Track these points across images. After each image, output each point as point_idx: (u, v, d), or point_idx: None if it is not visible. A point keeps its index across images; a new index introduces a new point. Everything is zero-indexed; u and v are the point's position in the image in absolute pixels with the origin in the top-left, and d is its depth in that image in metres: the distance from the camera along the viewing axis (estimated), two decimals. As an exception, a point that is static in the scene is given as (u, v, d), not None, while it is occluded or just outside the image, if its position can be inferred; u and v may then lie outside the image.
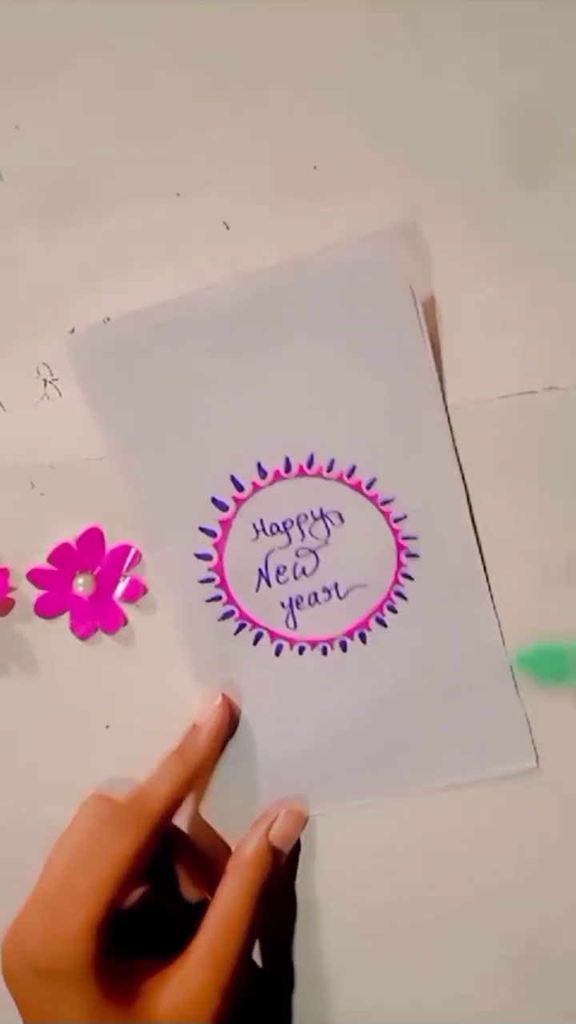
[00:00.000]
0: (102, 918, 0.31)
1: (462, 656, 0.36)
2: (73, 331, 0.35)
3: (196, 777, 0.35)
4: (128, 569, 0.37)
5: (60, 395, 0.36)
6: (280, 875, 0.36)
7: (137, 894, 0.35)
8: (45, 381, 0.36)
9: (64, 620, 0.38)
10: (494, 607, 0.35)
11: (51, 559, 0.37)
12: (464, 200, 0.33)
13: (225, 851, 0.37)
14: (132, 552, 0.36)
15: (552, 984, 0.38)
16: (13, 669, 0.38)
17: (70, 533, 0.37)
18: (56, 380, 0.36)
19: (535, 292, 0.33)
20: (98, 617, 0.37)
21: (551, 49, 0.32)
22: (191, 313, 0.34)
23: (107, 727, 0.38)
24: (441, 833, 0.38)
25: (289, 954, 0.39)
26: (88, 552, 0.37)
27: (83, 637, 0.37)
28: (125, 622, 0.37)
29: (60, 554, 0.37)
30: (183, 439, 0.35)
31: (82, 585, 0.37)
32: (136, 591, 0.37)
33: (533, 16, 0.32)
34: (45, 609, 0.37)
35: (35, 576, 0.37)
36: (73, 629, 0.37)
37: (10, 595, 0.38)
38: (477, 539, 0.35)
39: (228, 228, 0.34)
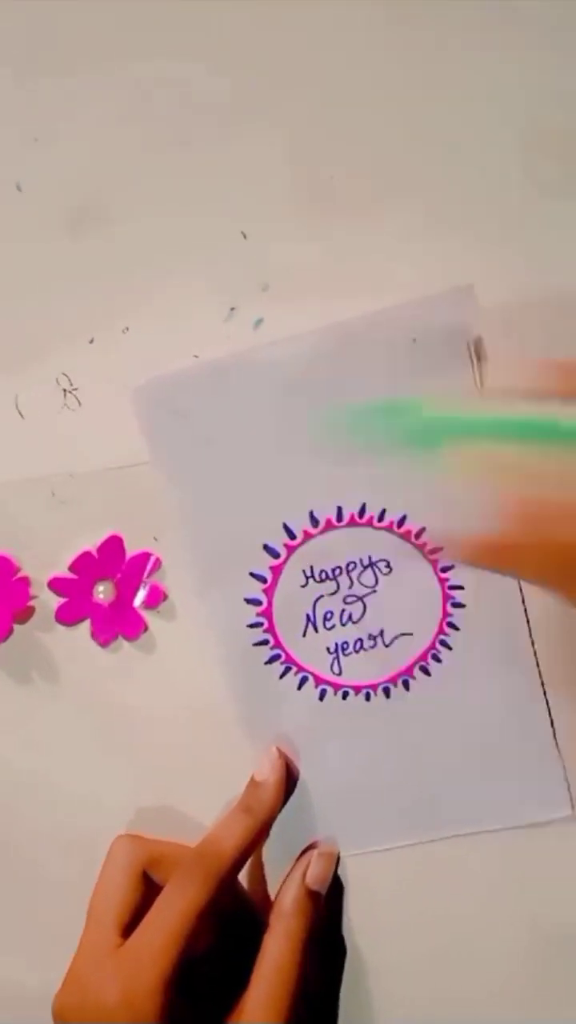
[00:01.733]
0: (175, 973, 0.31)
1: (503, 706, 0.36)
2: (92, 341, 0.35)
3: (262, 832, 0.36)
4: (148, 576, 0.37)
5: (80, 404, 0.37)
6: (322, 918, 0.37)
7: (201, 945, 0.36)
8: (65, 391, 0.37)
9: (85, 628, 0.38)
10: (536, 659, 0.36)
11: (72, 567, 0.37)
12: (484, 209, 0.34)
13: (266, 896, 0.38)
14: (152, 559, 0.37)
15: None
16: (35, 677, 0.39)
17: (90, 541, 0.37)
18: (76, 390, 0.37)
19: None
20: (118, 624, 0.37)
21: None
22: (252, 367, 0.35)
23: (128, 733, 0.38)
24: (488, 878, 0.38)
25: (335, 1001, 0.39)
26: (108, 560, 0.37)
27: (103, 644, 0.38)
28: (146, 628, 0.38)
29: (81, 562, 0.37)
30: (239, 487, 0.36)
31: (102, 593, 0.37)
32: (156, 598, 0.37)
33: (554, 25, 0.33)
34: (66, 617, 0.38)
35: (56, 584, 0.37)
36: (94, 636, 0.38)
37: (31, 603, 0.38)
38: (521, 591, 0.36)
39: (246, 238, 0.35)
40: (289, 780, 0.37)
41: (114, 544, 0.37)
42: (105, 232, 0.36)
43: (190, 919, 0.32)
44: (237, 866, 0.35)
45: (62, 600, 0.38)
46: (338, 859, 0.38)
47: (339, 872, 0.39)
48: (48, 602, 0.38)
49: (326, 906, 0.37)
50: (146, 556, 0.37)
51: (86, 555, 0.37)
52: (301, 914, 0.35)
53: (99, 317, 0.35)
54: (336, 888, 0.39)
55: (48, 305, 0.36)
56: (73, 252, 0.36)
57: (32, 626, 0.38)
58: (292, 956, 0.34)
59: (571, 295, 0.34)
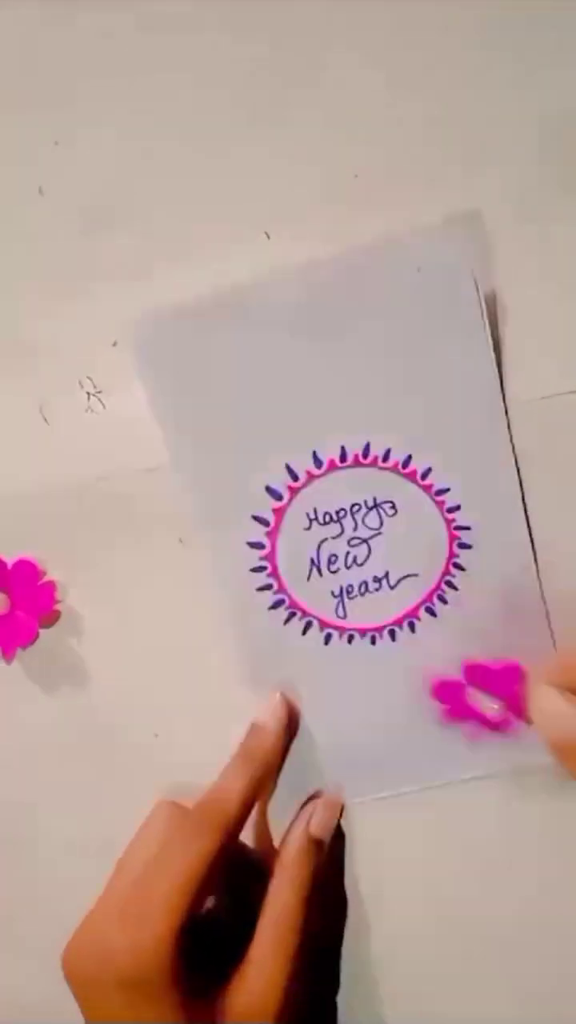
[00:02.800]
0: (182, 924, 0.31)
1: (510, 647, 0.36)
2: (115, 343, 0.35)
3: (266, 777, 0.35)
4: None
5: (104, 407, 0.36)
6: (325, 867, 0.36)
7: (210, 900, 0.35)
8: (88, 394, 0.36)
9: (109, 631, 0.38)
10: (544, 600, 0.36)
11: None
12: (508, 203, 0.34)
13: (271, 848, 0.37)
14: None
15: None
16: (61, 682, 0.38)
17: (118, 544, 0.37)
18: (100, 392, 0.36)
19: None
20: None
21: None
22: (251, 303, 0.34)
23: (155, 736, 0.38)
24: (492, 833, 0.38)
25: (338, 952, 0.39)
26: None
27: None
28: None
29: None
30: (239, 428, 0.35)
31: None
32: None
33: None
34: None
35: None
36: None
37: (56, 607, 0.38)
38: (530, 531, 0.35)
39: (269, 238, 0.35)
40: (291, 725, 0.37)
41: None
42: (126, 235, 0.35)
43: (197, 871, 0.32)
44: (243, 814, 0.34)
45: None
46: (343, 807, 0.38)
47: (344, 821, 0.38)
48: (74, 606, 0.38)
49: (329, 856, 0.37)
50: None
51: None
52: (304, 863, 0.35)
53: (122, 319, 0.35)
54: (339, 838, 0.38)
55: (69, 309, 0.36)
56: (95, 254, 0.35)
57: (58, 630, 0.38)
58: (296, 905, 0.33)
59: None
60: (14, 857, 0.40)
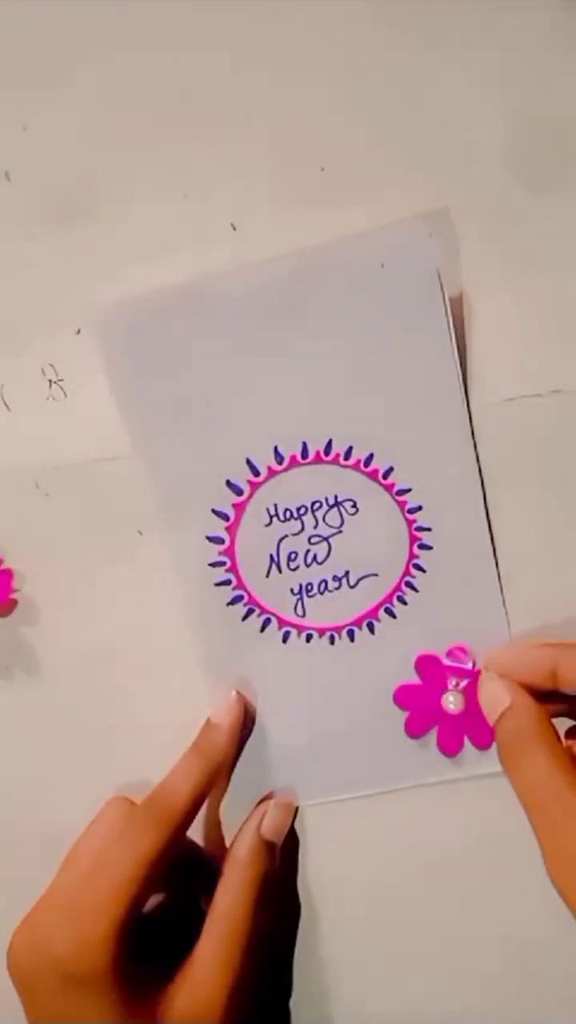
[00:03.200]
0: (126, 922, 0.31)
1: (469, 648, 0.36)
2: (79, 331, 0.35)
3: (216, 775, 0.35)
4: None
5: (65, 396, 0.36)
6: (276, 871, 0.36)
7: (156, 898, 0.35)
8: (50, 381, 0.36)
9: (68, 618, 0.37)
10: (503, 602, 0.35)
11: None
12: (473, 203, 0.33)
13: (223, 847, 0.37)
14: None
15: (548, 978, 0.38)
16: (16, 671, 0.38)
17: (74, 533, 0.36)
18: (62, 380, 0.36)
19: (548, 295, 0.34)
20: None
21: (562, 53, 0.33)
22: (215, 295, 0.34)
23: (109, 727, 0.38)
24: (436, 833, 0.37)
25: (290, 955, 0.38)
26: None
27: None
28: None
29: None
30: (201, 421, 0.35)
31: None
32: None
33: (544, 20, 0.33)
34: None
35: None
36: None
37: (13, 596, 0.37)
38: (491, 533, 0.35)
39: (235, 229, 0.34)
40: (246, 723, 0.36)
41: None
42: (93, 223, 0.35)
43: (142, 868, 0.31)
44: (190, 811, 0.34)
45: None
46: (296, 810, 0.38)
47: (296, 823, 0.38)
48: (31, 595, 0.37)
49: (282, 858, 0.37)
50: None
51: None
52: (255, 864, 0.34)
53: (85, 307, 0.34)
54: (292, 840, 0.38)
55: (34, 295, 0.35)
56: (61, 241, 0.35)
57: (14, 619, 0.38)
58: (244, 907, 0.33)
59: (561, 291, 0.34)
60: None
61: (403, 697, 0.36)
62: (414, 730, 0.36)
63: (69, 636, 0.37)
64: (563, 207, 0.33)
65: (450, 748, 0.36)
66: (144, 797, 0.34)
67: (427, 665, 0.36)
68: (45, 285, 0.35)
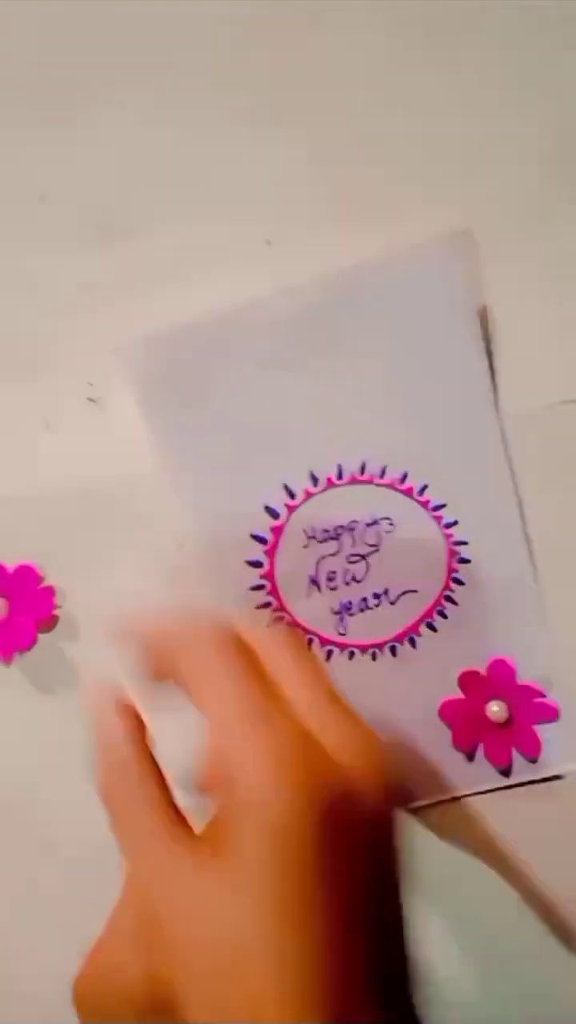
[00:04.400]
0: None
1: (511, 660, 0.36)
2: (116, 348, 0.35)
3: None
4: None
5: (104, 413, 0.37)
6: None
7: None
8: (89, 400, 0.36)
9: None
10: (543, 609, 0.36)
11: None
12: (510, 214, 0.34)
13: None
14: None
15: None
16: (57, 687, 0.38)
17: (117, 549, 0.37)
18: (100, 399, 0.36)
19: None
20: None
21: None
22: (247, 324, 0.34)
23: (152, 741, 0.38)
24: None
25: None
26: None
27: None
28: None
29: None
30: (236, 448, 0.35)
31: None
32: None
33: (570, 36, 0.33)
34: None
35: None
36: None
37: (55, 612, 0.38)
38: (528, 543, 0.35)
39: (270, 245, 0.35)
40: None
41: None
42: (129, 241, 0.36)
43: None
44: None
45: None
46: None
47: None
48: (72, 612, 0.38)
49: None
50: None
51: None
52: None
53: (123, 325, 0.35)
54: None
55: (72, 315, 0.36)
56: (96, 261, 0.36)
57: (56, 635, 0.38)
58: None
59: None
60: (13, 861, 0.40)
61: (448, 712, 0.36)
62: (462, 744, 0.36)
63: (110, 651, 0.38)
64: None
65: (499, 760, 0.36)
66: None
67: (470, 680, 0.36)
68: (83, 304, 0.36)
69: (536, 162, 0.34)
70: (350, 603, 0.36)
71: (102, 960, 0.31)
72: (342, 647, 0.37)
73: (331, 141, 0.34)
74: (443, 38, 0.34)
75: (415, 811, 0.38)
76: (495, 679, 0.36)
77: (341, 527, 0.36)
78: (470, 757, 0.37)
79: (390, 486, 0.35)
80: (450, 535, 0.35)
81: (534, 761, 0.36)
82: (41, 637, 0.38)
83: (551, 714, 0.36)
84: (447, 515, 0.35)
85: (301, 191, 0.35)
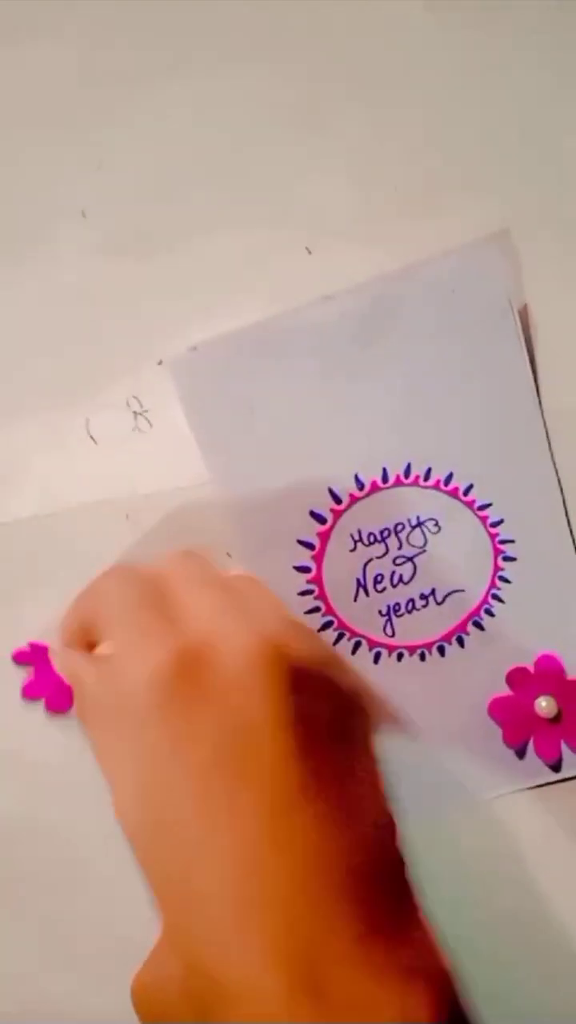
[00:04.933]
0: None
1: (558, 657, 0.36)
2: (160, 362, 0.36)
3: None
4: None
5: (151, 426, 0.37)
6: None
7: None
8: (135, 413, 0.37)
9: None
10: (590, 606, 0.36)
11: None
12: (549, 215, 0.34)
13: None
14: None
15: None
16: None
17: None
18: (146, 412, 0.37)
19: None
20: None
21: None
22: (289, 330, 0.35)
23: None
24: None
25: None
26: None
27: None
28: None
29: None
30: (281, 454, 0.36)
31: None
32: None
33: None
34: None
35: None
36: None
37: None
38: (574, 539, 0.36)
39: (310, 253, 0.35)
40: None
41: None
42: (170, 254, 0.36)
43: None
44: None
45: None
46: None
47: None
48: None
49: None
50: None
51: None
52: None
53: (166, 338, 0.36)
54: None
55: (115, 329, 0.37)
56: (138, 274, 0.36)
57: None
58: None
59: None
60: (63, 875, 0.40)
61: (497, 710, 0.37)
62: (512, 741, 0.37)
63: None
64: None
65: (549, 755, 0.37)
66: None
67: (518, 677, 0.37)
68: (125, 318, 0.36)
69: (572, 158, 0.34)
70: (398, 604, 0.37)
71: (158, 964, 0.31)
72: (391, 649, 0.37)
73: (369, 145, 0.35)
74: (483, 37, 0.34)
75: (466, 809, 0.38)
76: (543, 675, 0.36)
77: (387, 529, 0.36)
78: (520, 754, 0.37)
79: (435, 487, 0.36)
80: (496, 534, 0.36)
81: (586, 754, 0.37)
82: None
83: (600, 707, 0.36)
84: (492, 514, 0.36)
85: (340, 197, 0.35)
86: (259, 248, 0.36)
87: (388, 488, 0.36)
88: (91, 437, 0.37)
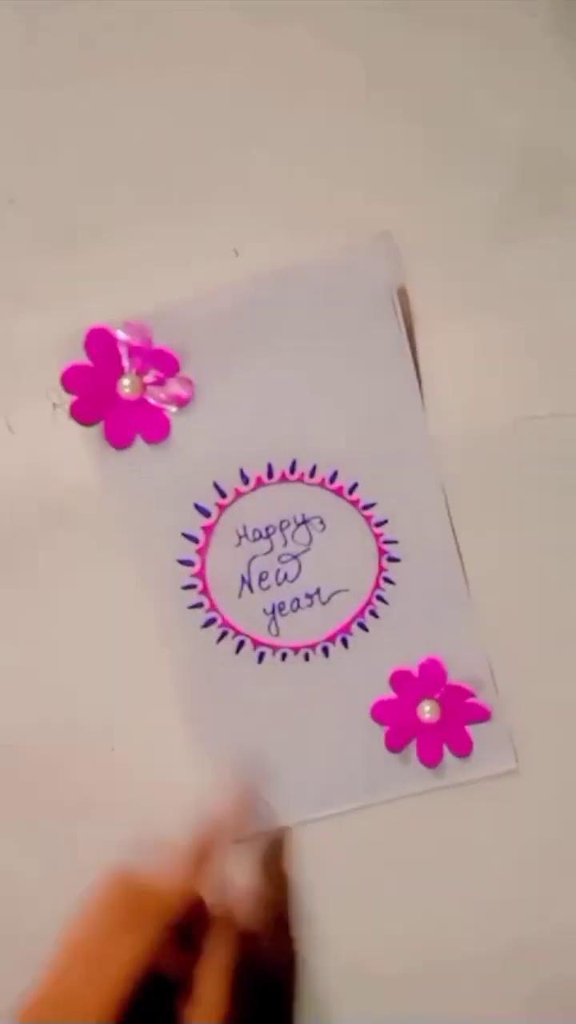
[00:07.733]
0: (126, 1012, 0.30)
1: (442, 660, 0.36)
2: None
3: (207, 872, 0.35)
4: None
5: (68, 418, 0.36)
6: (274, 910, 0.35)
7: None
8: (54, 405, 0.36)
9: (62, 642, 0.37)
10: (473, 609, 0.36)
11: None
12: (468, 233, 0.34)
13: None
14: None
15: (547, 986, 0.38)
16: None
17: (83, 551, 0.37)
18: (64, 404, 0.36)
19: (519, 326, 0.34)
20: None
21: (552, 86, 0.34)
22: (173, 326, 0.34)
23: (112, 749, 0.38)
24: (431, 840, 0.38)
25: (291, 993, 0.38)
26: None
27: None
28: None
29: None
30: (167, 447, 0.35)
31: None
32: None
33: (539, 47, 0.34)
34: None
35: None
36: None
37: None
38: (456, 540, 0.35)
39: (237, 255, 0.35)
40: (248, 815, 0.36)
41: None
42: (96, 248, 0.35)
43: (143, 960, 0.31)
44: (181, 910, 0.33)
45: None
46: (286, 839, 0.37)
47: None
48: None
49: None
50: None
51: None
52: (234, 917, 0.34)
53: (80, 328, 0.35)
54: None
55: (36, 320, 0.36)
56: (65, 266, 0.36)
57: None
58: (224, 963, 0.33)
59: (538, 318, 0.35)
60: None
61: (381, 712, 0.36)
62: (394, 743, 0.36)
63: (61, 658, 0.37)
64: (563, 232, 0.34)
65: (430, 759, 0.36)
66: (143, 887, 0.33)
67: (401, 679, 0.36)
68: (48, 309, 0.36)
69: (496, 180, 0.34)
70: (282, 603, 0.36)
71: (34, 1015, 0.31)
72: (275, 648, 0.37)
73: (297, 153, 0.34)
74: (428, 44, 0.34)
75: (346, 815, 0.37)
76: (426, 678, 0.36)
77: (272, 526, 0.36)
78: (403, 758, 0.37)
79: (320, 484, 0.35)
80: (380, 534, 0.35)
81: (464, 759, 0.36)
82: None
83: (482, 714, 0.36)
84: (377, 514, 0.35)
85: (269, 201, 0.34)
86: (186, 246, 0.35)
87: (273, 484, 0.35)
88: (9, 427, 0.37)
